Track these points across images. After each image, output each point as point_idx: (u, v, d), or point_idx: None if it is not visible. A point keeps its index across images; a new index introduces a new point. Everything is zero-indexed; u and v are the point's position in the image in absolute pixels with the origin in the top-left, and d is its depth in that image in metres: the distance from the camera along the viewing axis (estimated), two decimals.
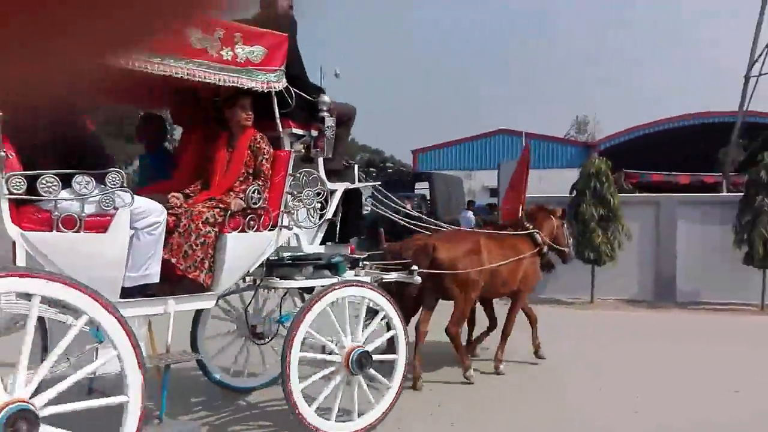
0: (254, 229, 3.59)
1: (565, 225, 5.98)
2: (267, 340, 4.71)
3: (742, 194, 9.82)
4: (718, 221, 9.86)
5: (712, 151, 20.99)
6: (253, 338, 4.79)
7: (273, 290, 4.48)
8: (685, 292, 9.99)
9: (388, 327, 4.35)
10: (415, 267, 4.55)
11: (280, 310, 4.60)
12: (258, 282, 4.27)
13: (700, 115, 24.99)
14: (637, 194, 13.48)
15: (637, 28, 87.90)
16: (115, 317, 2.82)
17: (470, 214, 13.35)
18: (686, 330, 7.77)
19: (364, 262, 4.63)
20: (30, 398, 2.58)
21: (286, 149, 3.82)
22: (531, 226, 5.56)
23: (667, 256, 10.22)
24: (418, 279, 4.53)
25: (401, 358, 4.25)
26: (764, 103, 21.32)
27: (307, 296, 4.46)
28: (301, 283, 4.13)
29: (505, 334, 5.54)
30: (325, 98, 3.85)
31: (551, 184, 14.15)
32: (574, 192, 10.03)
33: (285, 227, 3.82)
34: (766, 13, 16.81)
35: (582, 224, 9.37)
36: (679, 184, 17.02)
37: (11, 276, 2.55)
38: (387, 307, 4.18)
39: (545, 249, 5.61)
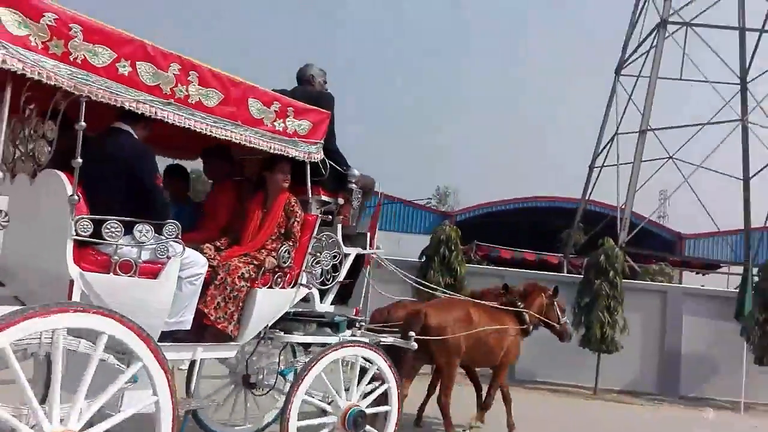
0: (280, 286, 3.83)
1: (556, 303, 6.31)
2: (261, 390, 4.81)
3: (581, 276, 10.16)
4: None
5: (556, 233, 22.99)
6: (245, 387, 4.90)
7: (266, 342, 4.64)
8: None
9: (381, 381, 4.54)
10: (412, 333, 4.82)
11: (279, 363, 4.74)
12: (262, 334, 4.45)
13: (547, 198, 26.96)
14: (484, 266, 13.78)
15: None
16: (159, 362, 2.98)
17: None
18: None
19: (360, 323, 4.89)
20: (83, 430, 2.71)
21: (313, 213, 4.13)
22: (521, 304, 5.94)
23: None
24: (415, 345, 4.80)
25: (394, 410, 4.47)
26: (604, 192, 24.01)
27: (299, 350, 4.66)
28: (303, 338, 4.34)
29: (486, 405, 5.82)
30: (355, 171, 4.22)
31: (409, 247, 14.79)
32: (424, 257, 10.11)
33: (304, 285, 4.07)
34: (612, 106, 18.73)
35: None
36: (524, 261, 18.30)
37: (85, 312, 2.70)
38: (382, 364, 4.42)
39: (530, 328, 5.98)
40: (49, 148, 2.98)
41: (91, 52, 2.80)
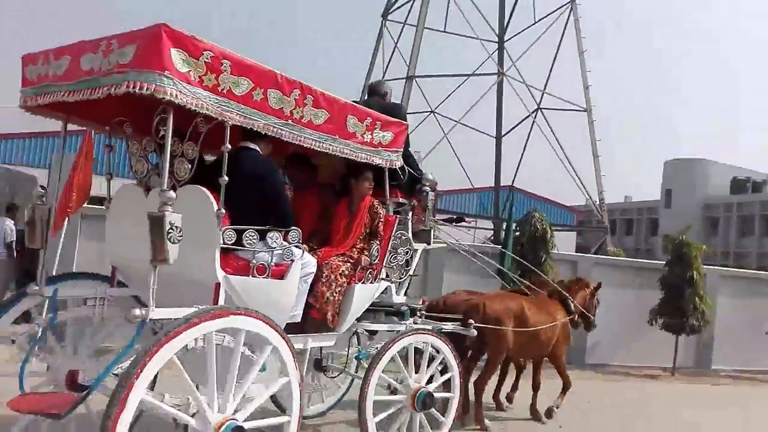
0: (371, 281, 4.28)
1: (596, 296, 6.85)
2: (332, 373, 5.23)
3: None
4: None
5: None
6: (315, 371, 5.34)
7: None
8: None
9: (445, 370, 5.05)
10: (471, 321, 5.30)
11: (348, 349, 5.17)
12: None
13: None
14: None
15: None
16: (291, 351, 3.42)
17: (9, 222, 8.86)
18: None
19: (421, 312, 5.35)
20: (235, 415, 3.13)
21: (391, 215, 4.57)
22: (567, 294, 6.47)
23: None
24: (474, 332, 5.28)
25: (456, 397, 4.96)
26: None
27: (364, 337, 5.12)
28: (379, 326, 4.79)
29: (565, 386, 6.43)
30: (429, 176, 4.66)
31: None
32: None
33: (385, 280, 4.52)
34: (379, 53, 19.27)
35: None
36: None
37: (233, 315, 3.12)
38: (446, 351, 4.90)
39: (576, 317, 6.52)
40: (189, 166, 3.36)
41: (235, 83, 3.18)
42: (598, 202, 25.13)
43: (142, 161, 3.65)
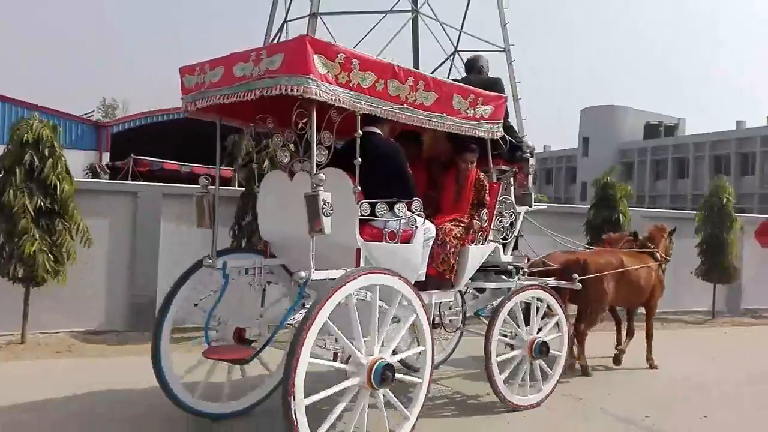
0: (482, 242, 4.76)
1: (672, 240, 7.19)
2: (449, 330, 5.78)
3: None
4: None
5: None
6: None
7: None
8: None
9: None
10: (575, 275, 5.68)
11: (463, 305, 5.71)
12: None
13: None
14: (107, 181, 11.61)
15: None
16: (421, 303, 3.99)
17: None
18: None
19: (524, 270, 5.77)
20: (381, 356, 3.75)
21: (495, 182, 5.00)
22: (651, 245, 6.76)
23: (145, 277, 7.52)
24: (579, 285, 5.66)
25: (565, 336, 5.40)
26: None
27: (470, 295, 5.63)
28: (492, 284, 5.27)
29: (649, 337, 6.77)
30: (529, 143, 5.04)
31: None
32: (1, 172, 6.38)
33: (493, 241, 4.98)
34: None
35: (8, 223, 6.11)
36: (192, 174, 15.72)
37: (378, 273, 3.73)
38: (554, 304, 5.33)
39: (664, 266, 6.80)
40: (327, 152, 3.95)
41: (363, 78, 3.72)
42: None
43: (284, 150, 4.30)
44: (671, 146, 48.18)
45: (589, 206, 10.48)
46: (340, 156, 4.02)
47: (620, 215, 9.88)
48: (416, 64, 18.80)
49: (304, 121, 4.02)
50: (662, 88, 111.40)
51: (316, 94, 3.48)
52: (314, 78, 3.44)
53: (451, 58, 20.67)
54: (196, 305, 4.30)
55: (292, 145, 4.24)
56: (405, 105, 4.03)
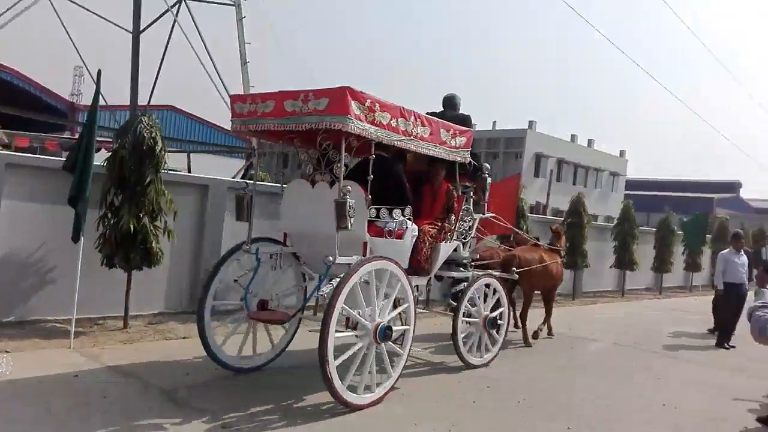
0: (449, 241, 6.23)
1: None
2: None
3: None
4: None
5: None
6: None
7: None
8: None
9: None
10: (514, 268, 7.32)
11: (427, 288, 7.18)
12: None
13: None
14: None
15: None
16: (409, 283, 5.39)
17: None
18: None
19: (471, 263, 7.32)
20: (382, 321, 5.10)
21: (460, 194, 6.48)
22: (558, 244, 8.84)
23: None
24: (516, 276, 7.30)
25: (504, 323, 7.00)
26: None
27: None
28: (454, 273, 6.74)
29: (548, 315, 8.61)
30: (486, 165, 6.56)
31: None
32: None
33: (456, 240, 6.46)
34: None
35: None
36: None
37: (382, 260, 5.08)
38: (500, 290, 6.90)
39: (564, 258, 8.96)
40: (345, 168, 5.23)
41: (382, 117, 5.05)
42: None
43: (308, 164, 5.55)
44: None
45: None
46: (353, 171, 5.33)
47: None
48: (137, 25, 17.29)
49: (327, 143, 5.31)
50: None
51: (353, 129, 4.77)
52: (351, 117, 4.73)
53: (176, 7, 19.27)
54: (235, 281, 5.49)
55: (315, 161, 5.50)
56: (411, 137, 5.41)
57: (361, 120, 4.85)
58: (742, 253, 9.73)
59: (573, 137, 49.18)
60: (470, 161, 6.37)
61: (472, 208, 6.72)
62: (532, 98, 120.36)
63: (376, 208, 5.27)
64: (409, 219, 5.59)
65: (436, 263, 6.14)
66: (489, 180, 6.62)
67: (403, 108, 5.31)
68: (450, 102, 6.81)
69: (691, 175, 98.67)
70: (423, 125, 5.53)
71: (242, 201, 5.58)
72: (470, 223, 6.69)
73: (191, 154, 18.54)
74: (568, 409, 5.40)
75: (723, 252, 9.98)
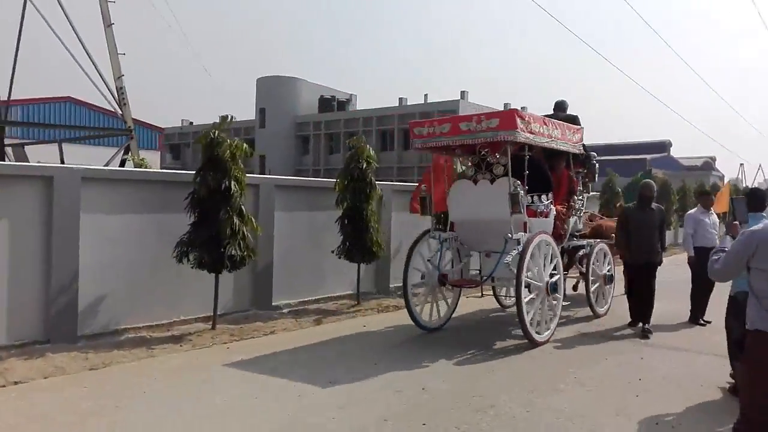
0: (572, 215, 7.92)
1: None
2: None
3: None
4: None
5: None
6: None
7: None
8: None
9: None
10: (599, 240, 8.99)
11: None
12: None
13: None
14: None
15: None
16: (558, 251, 7.08)
17: None
18: None
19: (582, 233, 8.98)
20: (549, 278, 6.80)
21: (576, 179, 8.15)
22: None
23: None
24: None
25: (615, 278, 8.68)
26: None
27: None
28: (574, 242, 8.41)
29: None
30: (594, 154, 8.23)
31: None
32: None
33: (575, 215, 8.13)
34: None
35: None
36: None
37: (543, 234, 6.77)
38: (610, 255, 8.57)
39: None
40: (503, 168, 6.91)
41: (534, 126, 6.72)
42: (116, 95, 18.57)
43: (470, 166, 7.26)
44: (343, 120, 46.53)
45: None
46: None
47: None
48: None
49: (485, 150, 7.02)
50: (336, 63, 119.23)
51: (519, 139, 6.47)
52: (517, 131, 6.42)
53: None
54: (428, 260, 7.22)
55: (476, 164, 7.21)
56: (551, 138, 7.09)
57: (524, 131, 6.53)
58: (712, 211, 8.11)
59: (506, 105, 46.03)
60: (582, 151, 8.04)
61: (583, 188, 8.40)
62: (463, 69, 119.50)
63: (530, 196, 6.97)
64: (551, 203, 7.28)
65: (568, 233, 7.85)
66: (597, 166, 8.29)
67: (544, 117, 7.00)
68: (561, 106, 8.49)
69: (622, 138, 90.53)
70: (556, 128, 7.21)
71: (425, 201, 7.32)
72: (583, 201, 8.36)
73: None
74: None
75: (691, 212, 8.29)
